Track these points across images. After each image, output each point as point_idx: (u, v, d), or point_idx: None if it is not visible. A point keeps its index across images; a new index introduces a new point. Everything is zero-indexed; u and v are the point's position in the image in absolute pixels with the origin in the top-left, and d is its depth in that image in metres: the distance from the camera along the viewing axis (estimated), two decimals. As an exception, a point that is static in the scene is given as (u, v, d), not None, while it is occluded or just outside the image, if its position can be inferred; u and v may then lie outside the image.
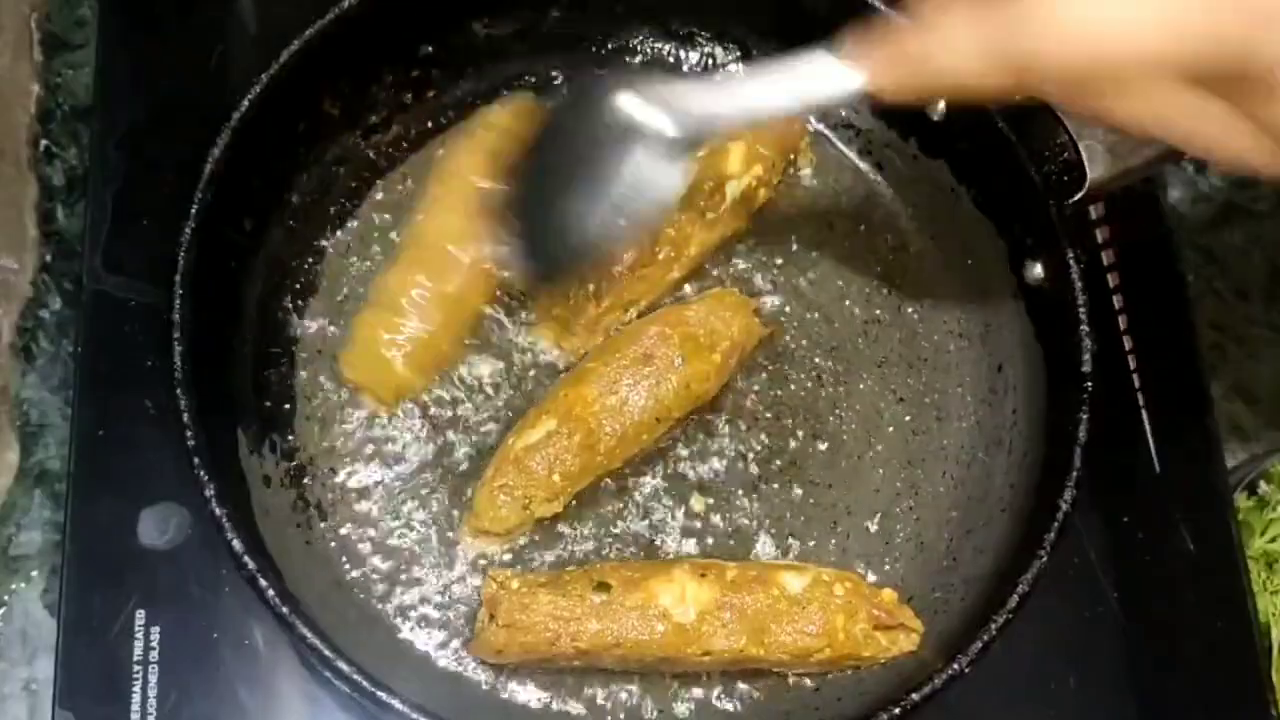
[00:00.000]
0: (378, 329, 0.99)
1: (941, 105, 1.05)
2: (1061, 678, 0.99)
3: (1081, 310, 0.96)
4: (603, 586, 0.90)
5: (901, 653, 0.93)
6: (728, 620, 0.90)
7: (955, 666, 0.86)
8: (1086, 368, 0.94)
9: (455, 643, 0.94)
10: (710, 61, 1.14)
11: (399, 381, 0.99)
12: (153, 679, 0.92)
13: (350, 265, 1.04)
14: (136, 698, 0.91)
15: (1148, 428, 1.08)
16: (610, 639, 0.89)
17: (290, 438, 0.98)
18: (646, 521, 0.99)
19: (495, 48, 1.11)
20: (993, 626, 0.87)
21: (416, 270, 1.00)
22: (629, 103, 0.79)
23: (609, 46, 1.13)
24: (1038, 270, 1.01)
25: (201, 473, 0.86)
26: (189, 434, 0.87)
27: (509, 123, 1.04)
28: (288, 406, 0.99)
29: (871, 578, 0.98)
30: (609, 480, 0.99)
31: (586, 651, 0.89)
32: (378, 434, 0.99)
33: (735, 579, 0.92)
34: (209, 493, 0.85)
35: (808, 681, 0.95)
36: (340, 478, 0.98)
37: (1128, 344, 1.10)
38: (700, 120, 0.79)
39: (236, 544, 0.84)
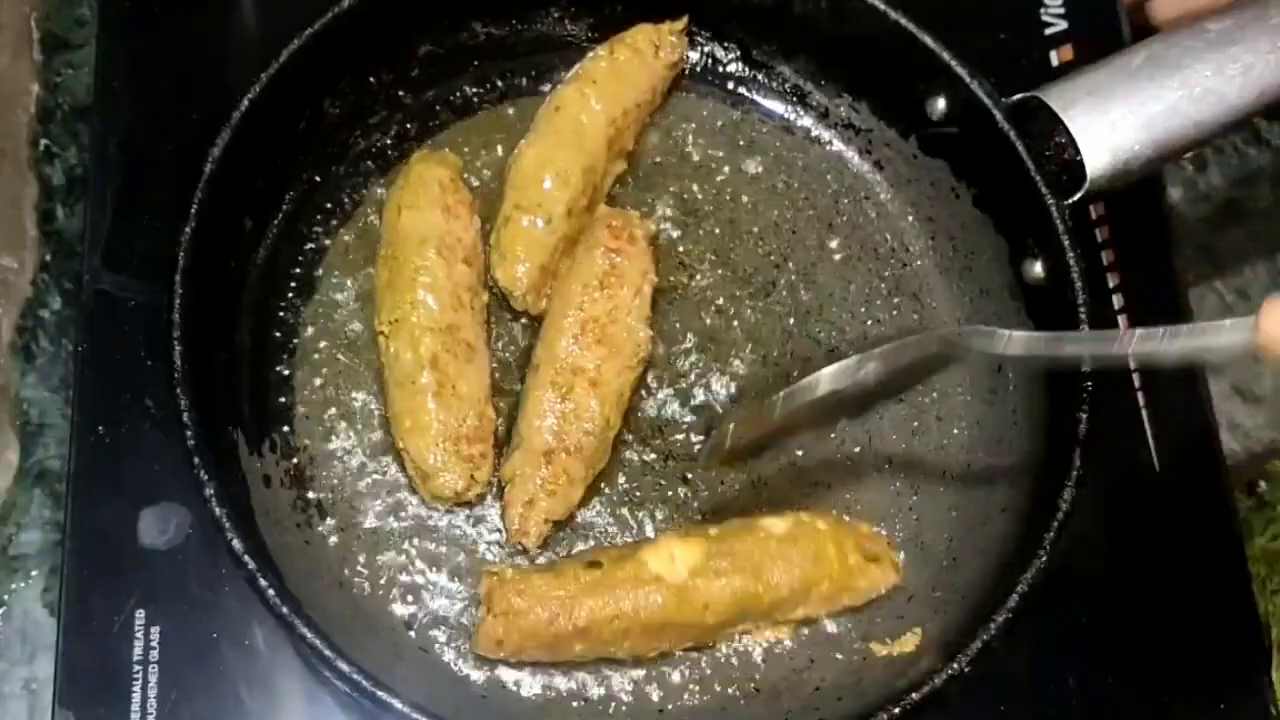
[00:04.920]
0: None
1: (941, 104, 1.05)
2: (1061, 678, 0.99)
3: (1081, 310, 0.96)
4: (594, 565, 0.91)
5: (890, 586, 0.95)
6: (722, 568, 0.91)
7: (955, 666, 0.86)
8: (1086, 368, 0.94)
9: (455, 642, 0.94)
10: (710, 61, 1.14)
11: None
12: (153, 679, 0.92)
13: (350, 265, 1.04)
14: (136, 698, 0.91)
15: (1148, 428, 1.08)
16: (608, 612, 0.89)
17: (290, 437, 0.98)
18: (646, 519, 0.99)
19: (495, 47, 1.11)
20: (992, 626, 0.87)
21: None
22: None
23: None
24: (1037, 269, 1.02)
25: (201, 473, 0.86)
26: (189, 434, 0.87)
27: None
28: (287, 406, 0.99)
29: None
30: (605, 482, 0.99)
31: (586, 629, 0.89)
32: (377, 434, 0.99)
33: (720, 533, 0.94)
34: (209, 493, 0.85)
35: (809, 679, 0.95)
36: (340, 477, 0.98)
37: (1128, 344, 1.10)
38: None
39: (236, 544, 0.84)
